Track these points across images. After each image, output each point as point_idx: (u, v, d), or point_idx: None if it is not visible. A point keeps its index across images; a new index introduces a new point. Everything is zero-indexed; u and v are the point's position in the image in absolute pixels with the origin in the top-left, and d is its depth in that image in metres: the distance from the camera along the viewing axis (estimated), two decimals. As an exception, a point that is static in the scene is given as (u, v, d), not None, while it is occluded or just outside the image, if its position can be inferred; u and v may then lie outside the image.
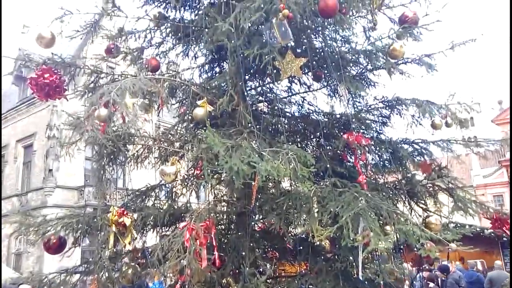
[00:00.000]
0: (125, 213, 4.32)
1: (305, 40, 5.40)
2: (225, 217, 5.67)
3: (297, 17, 4.33)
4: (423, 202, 5.35)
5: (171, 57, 6.15)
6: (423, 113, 4.80)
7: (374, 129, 5.72)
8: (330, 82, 5.88)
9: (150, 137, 5.56)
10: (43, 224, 4.77)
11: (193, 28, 5.18)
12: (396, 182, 5.47)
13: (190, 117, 5.45)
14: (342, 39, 5.94)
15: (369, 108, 5.76)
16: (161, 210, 5.25)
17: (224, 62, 5.97)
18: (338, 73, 4.93)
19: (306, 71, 5.62)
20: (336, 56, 5.16)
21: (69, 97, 4.74)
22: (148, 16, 5.49)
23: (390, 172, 5.75)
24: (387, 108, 5.58)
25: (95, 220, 4.80)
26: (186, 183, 5.74)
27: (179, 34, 5.35)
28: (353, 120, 5.08)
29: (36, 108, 21.26)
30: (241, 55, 4.63)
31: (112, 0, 5.23)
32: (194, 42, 5.64)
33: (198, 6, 5.82)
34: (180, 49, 5.97)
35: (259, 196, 4.75)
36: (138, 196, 5.81)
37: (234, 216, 5.45)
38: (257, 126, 4.80)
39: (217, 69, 6.17)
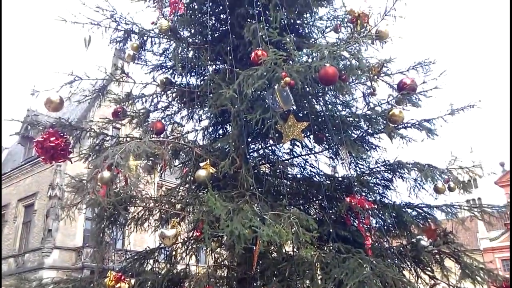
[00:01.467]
0: (122, 278, 4.19)
1: (306, 105, 5.55)
2: (225, 283, 5.48)
3: (299, 84, 4.49)
4: (429, 269, 5.19)
5: (176, 120, 6.32)
6: (425, 177, 4.81)
7: (377, 192, 5.69)
8: (331, 145, 5.96)
9: (151, 199, 5.54)
10: (38, 289, 4.62)
11: (198, 93, 5.36)
12: (401, 247, 5.34)
13: (192, 178, 5.47)
14: (343, 104, 6.10)
15: (371, 171, 5.77)
16: (160, 275, 5.09)
17: (228, 125, 6.10)
18: (339, 137, 5.00)
19: (308, 134, 5.72)
20: (337, 120, 5.28)
21: (74, 160, 4.80)
22: (156, 82, 5.71)
23: (395, 237, 5.64)
24: (389, 171, 5.59)
25: (92, 285, 4.65)
26: (186, 246, 5.62)
27: (185, 99, 5.52)
28: (356, 183, 5.07)
29: (40, 168, 21.42)
30: (244, 119, 4.74)
31: (121, 67, 5.48)
32: (199, 106, 5.81)
33: (203, 73, 6.06)
34: (185, 112, 6.14)
35: (261, 262, 4.63)
36: (136, 259, 5.67)
37: (234, 282, 5.27)
38: (259, 189, 4.79)
39: (221, 132, 6.29)
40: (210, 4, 6.05)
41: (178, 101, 5.97)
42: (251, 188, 4.59)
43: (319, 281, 3.91)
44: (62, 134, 4.68)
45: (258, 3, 4.93)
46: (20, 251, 21.41)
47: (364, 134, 5.81)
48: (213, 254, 5.74)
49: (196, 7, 6.20)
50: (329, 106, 5.94)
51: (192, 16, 6.12)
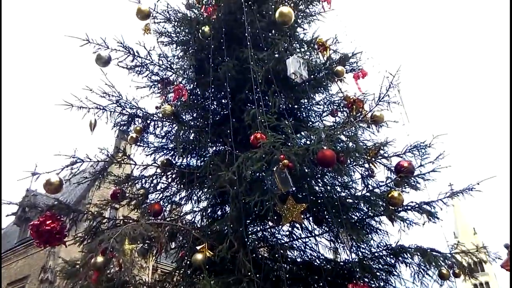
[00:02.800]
0: None
1: (305, 186, 5.57)
2: None
3: (297, 166, 4.55)
4: None
5: (175, 201, 6.29)
6: (429, 263, 4.66)
7: (380, 278, 5.47)
8: (331, 227, 5.86)
9: (145, 285, 5.31)
10: None
11: (198, 174, 5.40)
12: None
13: (188, 262, 5.30)
14: (342, 185, 6.11)
15: (374, 256, 5.60)
16: None
17: (226, 206, 6.05)
18: (339, 219, 4.94)
19: (307, 216, 5.66)
20: (336, 202, 5.25)
21: (69, 243, 4.69)
22: (156, 163, 5.79)
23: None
24: (392, 256, 5.43)
25: None
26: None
27: (184, 180, 5.56)
28: (358, 269, 4.90)
29: (34, 249, 20.77)
30: (243, 201, 4.73)
31: (123, 149, 5.59)
32: (198, 187, 5.82)
33: (204, 154, 6.17)
34: (184, 193, 6.13)
35: None
36: None
37: None
38: (257, 275, 4.62)
39: (219, 213, 6.23)
40: (213, 90, 6.36)
41: (178, 182, 6.00)
42: (249, 274, 4.43)
43: None
44: (58, 217, 4.63)
45: (258, 90, 5.17)
46: None
47: (364, 217, 5.74)
48: None
49: (199, 92, 6.50)
50: (328, 187, 5.94)
51: (195, 101, 6.39)
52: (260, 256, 5.63)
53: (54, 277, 18.18)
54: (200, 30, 6.02)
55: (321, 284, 5.52)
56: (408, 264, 5.26)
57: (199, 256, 4.36)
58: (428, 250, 4.82)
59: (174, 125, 6.14)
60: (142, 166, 5.75)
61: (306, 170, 5.43)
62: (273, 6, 5.99)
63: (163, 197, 6.03)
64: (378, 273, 5.43)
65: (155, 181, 5.93)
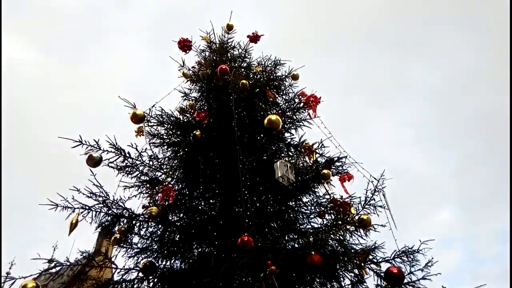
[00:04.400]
0: None
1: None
2: None
3: (284, 271, 4.43)
4: None
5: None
6: None
7: None
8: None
9: None
10: None
11: (181, 279, 5.19)
12: None
13: None
14: (332, 293, 5.89)
15: None
16: None
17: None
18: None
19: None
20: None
21: None
22: (138, 267, 5.58)
23: None
24: None
25: None
26: None
27: (166, 286, 5.32)
28: None
29: None
30: None
31: (104, 252, 5.42)
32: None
33: (188, 256, 5.99)
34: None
35: None
36: None
37: None
38: None
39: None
40: (201, 190, 6.41)
41: (160, 287, 5.72)
42: None
43: None
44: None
45: (246, 192, 5.24)
46: None
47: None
48: None
49: (187, 192, 6.53)
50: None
51: (183, 201, 6.39)
52: None
53: None
54: (192, 134, 6.26)
55: None
56: None
57: None
58: None
59: (160, 226, 6.05)
60: (124, 270, 5.51)
61: (294, 274, 5.27)
62: (261, 113, 6.34)
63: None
64: None
65: (135, 286, 5.64)
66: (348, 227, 6.08)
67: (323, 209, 6.72)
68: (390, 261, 5.49)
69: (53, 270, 4.68)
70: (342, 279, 5.74)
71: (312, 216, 6.82)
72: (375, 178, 6.31)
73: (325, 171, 6.31)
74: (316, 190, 6.76)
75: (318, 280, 5.76)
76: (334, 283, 5.76)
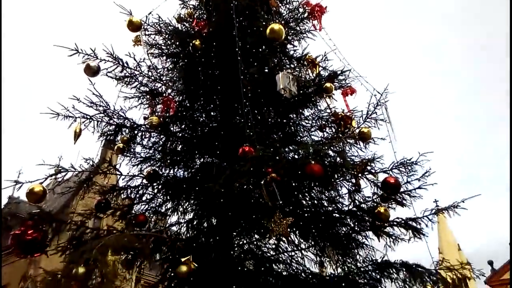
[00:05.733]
0: None
1: (293, 199, 5.56)
2: None
3: (284, 180, 4.56)
4: None
5: (161, 211, 6.22)
6: (414, 279, 4.68)
7: (366, 293, 5.46)
8: (318, 241, 5.85)
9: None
10: None
11: (185, 186, 5.37)
12: None
13: (173, 274, 5.23)
14: (329, 200, 6.13)
15: (359, 271, 5.60)
16: None
17: (213, 218, 6.01)
18: (326, 234, 4.94)
19: (294, 229, 5.64)
20: (322, 217, 5.27)
21: (51, 253, 4.59)
22: (142, 174, 5.74)
23: None
24: (377, 271, 5.43)
25: None
26: None
27: (170, 191, 5.51)
28: (343, 283, 4.89)
29: (14, 257, 20.31)
30: (229, 214, 4.71)
31: (109, 159, 5.54)
32: (184, 199, 5.77)
33: (191, 165, 6.14)
34: (170, 205, 6.07)
35: None
36: None
37: None
38: (243, 287, 4.58)
39: (205, 225, 6.18)
40: (202, 102, 6.36)
41: (164, 193, 5.95)
42: (234, 286, 4.38)
43: None
44: (40, 227, 4.52)
45: (247, 103, 5.20)
46: None
47: (350, 232, 5.75)
48: None
49: (188, 105, 6.50)
50: (315, 202, 5.95)
51: (184, 113, 6.38)
52: (245, 269, 5.59)
53: (34, 287, 17.74)
54: (191, 44, 6.04)
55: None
56: (393, 280, 5.26)
57: (183, 268, 4.29)
58: (414, 266, 4.83)
59: (161, 136, 6.11)
60: (128, 177, 5.69)
61: (294, 184, 5.44)
62: (264, 23, 6.06)
63: (149, 208, 5.96)
64: (363, 288, 5.43)
65: (140, 192, 5.87)
66: (348, 140, 6.15)
67: (324, 122, 6.74)
68: (388, 171, 5.61)
69: (59, 176, 4.81)
70: (339, 188, 5.95)
71: (313, 130, 6.86)
72: (378, 92, 6.24)
73: (328, 84, 6.20)
74: (318, 103, 6.72)
75: (316, 189, 5.97)
76: (332, 192, 5.98)
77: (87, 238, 5.15)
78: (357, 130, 6.09)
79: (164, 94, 6.17)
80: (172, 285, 5.44)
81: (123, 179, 5.77)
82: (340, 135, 6.17)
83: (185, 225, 6.16)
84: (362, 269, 5.63)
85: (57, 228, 4.99)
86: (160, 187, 6.03)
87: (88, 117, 5.55)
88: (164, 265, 5.86)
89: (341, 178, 5.87)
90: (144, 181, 5.83)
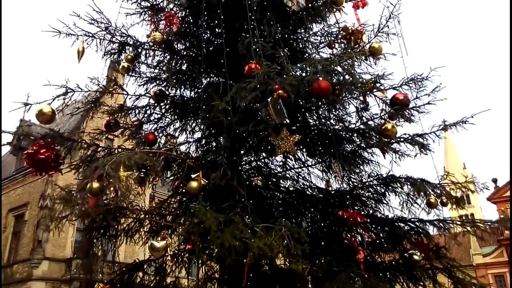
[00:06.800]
0: (110, 291, 4.13)
1: (300, 118, 5.56)
2: (215, 296, 5.42)
3: (292, 97, 4.51)
4: (422, 284, 5.15)
5: (169, 132, 6.30)
6: (418, 192, 4.81)
7: (370, 206, 5.68)
8: (325, 158, 5.96)
9: (141, 210, 5.49)
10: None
11: (192, 105, 5.36)
12: (394, 262, 5.31)
13: (184, 191, 5.44)
14: (336, 118, 6.12)
15: (364, 185, 5.76)
16: (149, 288, 5.02)
17: (221, 137, 6.09)
18: (332, 150, 5.00)
19: (301, 147, 5.72)
20: (329, 134, 5.29)
21: (65, 171, 4.75)
22: (149, 94, 5.71)
23: (387, 251, 5.60)
24: (382, 185, 5.59)
25: (79, 298, 4.56)
26: (176, 259, 5.55)
27: (178, 111, 5.52)
28: (348, 197, 5.06)
29: (31, 178, 21.21)
30: (237, 132, 4.74)
31: (114, 79, 5.48)
32: (192, 118, 5.80)
33: (197, 85, 6.07)
34: (178, 124, 6.13)
35: (252, 275, 4.57)
36: (125, 272, 5.58)
37: (225, 296, 5.21)
38: (251, 201, 4.77)
39: (214, 144, 6.28)
40: (206, 18, 6.10)
41: (171, 113, 5.97)
42: (243, 200, 4.56)
43: (310, 295, 3.87)
44: (52, 146, 4.64)
45: (253, 17, 4.97)
46: (8, 262, 21.05)
47: (357, 148, 5.82)
48: (203, 267, 5.68)
49: (191, 20, 6.24)
50: (322, 120, 5.95)
51: (187, 30, 6.16)
52: (254, 184, 5.78)
53: (53, 204, 18.76)
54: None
55: (312, 211, 5.74)
56: (397, 193, 5.43)
57: (194, 184, 4.44)
58: (418, 180, 4.94)
59: (166, 55, 5.97)
60: (135, 97, 5.68)
61: (301, 102, 5.39)
62: None
63: (157, 128, 6.02)
64: (368, 202, 5.63)
65: (148, 112, 5.89)
66: (358, 55, 5.95)
67: (333, 38, 6.49)
68: (397, 88, 5.52)
69: (67, 96, 4.81)
70: (347, 106, 5.90)
71: (321, 46, 6.64)
72: (391, 3, 5.90)
73: (338, -4, 5.85)
74: (327, 18, 6.41)
75: (324, 107, 5.93)
76: (340, 110, 5.94)
77: (99, 156, 5.29)
78: (368, 45, 5.86)
79: (166, 9, 5.91)
80: (184, 199, 5.68)
81: (129, 99, 5.76)
82: (350, 51, 5.97)
83: (194, 144, 6.26)
84: (367, 184, 5.79)
85: (68, 147, 5.12)
86: (167, 107, 6.03)
87: (90, 35, 5.39)
88: (175, 182, 6.08)
89: (349, 96, 5.81)
90: (151, 101, 5.82)
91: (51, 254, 19.40)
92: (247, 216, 4.21)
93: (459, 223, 5.19)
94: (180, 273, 5.83)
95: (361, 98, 5.84)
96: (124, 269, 5.64)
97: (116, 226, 5.26)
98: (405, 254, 5.34)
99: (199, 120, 5.67)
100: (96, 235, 5.06)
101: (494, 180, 36.53)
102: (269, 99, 4.33)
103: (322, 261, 4.35)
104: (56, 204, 4.53)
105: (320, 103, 5.67)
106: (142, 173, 5.38)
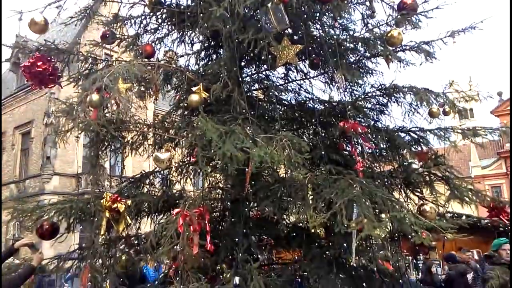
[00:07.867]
0: (118, 199, 4.30)
1: (302, 26, 5.32)
2: (219, 204, 5.66)
3: (293, 2, 4.27)
4: (419, 190, 5.33)
5: (167, 44, 6.09)
6: (420, 101, 4.74)
7: (371, 117, 5.67)
8: (327, 69, 5.82)
9: (144, 124, 5.52)
10: (37, 210, 4.76)
11: (189, 13, 5.10)
12: (392, 170, 5.44)
13: (185, 104, 5.41)
14: (340, 27, 5.86)
15: (366, 96, 5.69)
16: (155, 197, 5.24)
17: (220, 49, 5.90)
18: (335, 59, 4.86)
19: (303, 58, 5.56)
20: (333, 43, 5.10)
21: (64, 84, 4.69)
22: (144, 1, 5.41)
23: (387, 161, 5.71)
24: (384, 96, 5.52)
25: (89, 206, 4.77)
26: (180, 170, 5.71)
27: (174, 20, 5.27)
28: (350, 107, 5.03)
29: (34, 95, 21.21)
30: (236, 41, 4.57)
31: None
32: (190, 28, 5.56)
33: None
34: (175, 35, 5.89)
35: (253, 183, 4.73)
36: (132, 183, 5.79)
37: (228, 203, 5.44)
38: (252, 113, 4.76)
39: (214, 56, 6.10)
40: None
41: (168, 23, 5.71)
42: (244, 112, 4.55)
43: (310, 201, 4.01)
44: (49, 59, 4.55)
45: None
46: (20, 178, 21.93)
47: (361, 58, 5.65)
48: (207, 177, 5.87)
49: None
50: (326, 29, 5.70)
51: None
52: (255, 97, 5.73)
53: (57, 121, 18.98)
54: None
55: (314, 123, 5.75)
56: (400, 103, 5.38)
57: (194, 97, 4.40)
58: (421, 89, 4.86)
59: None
60: (129, 5, 5.37)
61: (304, 8, 5.12)
62: None
63: (155, 39, 5.81)
64: (369, 112, 5.61)
65: (144, 22, 5.63)
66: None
67: None
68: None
69: (58, 4, 4.58)
70: (352, 12, 5.61)
71: None
72: None
73: None
74: None
75: (327, 14, 5.63)
76: (345, 17, 5.66)
77: (97, 69, 5.18)
78: None
79: None
80: (186, 113, 5.68)
81: (124, 7, 5.46)
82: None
83: (193, 56, 6.09)
84: (369, 94, 5.71)
85: (66, 59, 5.00)
86: (163, 16, 5.75)
87: None
88: (176, 96, 6.03)
89: (355, 1, 5.50)
90: (146, 9, 5.54)
91: (61, 169, 20.12)
92: (248, 127, 4.23)
93: (459, 131, 5.20)
94: (186, 184, 6.04)
95: (367, 3, 5.54)
96: (131, 180, 5.84)
97: (120, 139, 5.33)
98: (404, 163, 5.47)
99: (197, 30, 5.44)
100: (101, 147, 5.16)
101: (499, 93, 36.21)
102: (269, 4, 4.12)
103: (322, 170, 4.46)
104: (57, 116, 4.55)
105: (324, 10, 5.38)
106: (142, 87, 5.31)
